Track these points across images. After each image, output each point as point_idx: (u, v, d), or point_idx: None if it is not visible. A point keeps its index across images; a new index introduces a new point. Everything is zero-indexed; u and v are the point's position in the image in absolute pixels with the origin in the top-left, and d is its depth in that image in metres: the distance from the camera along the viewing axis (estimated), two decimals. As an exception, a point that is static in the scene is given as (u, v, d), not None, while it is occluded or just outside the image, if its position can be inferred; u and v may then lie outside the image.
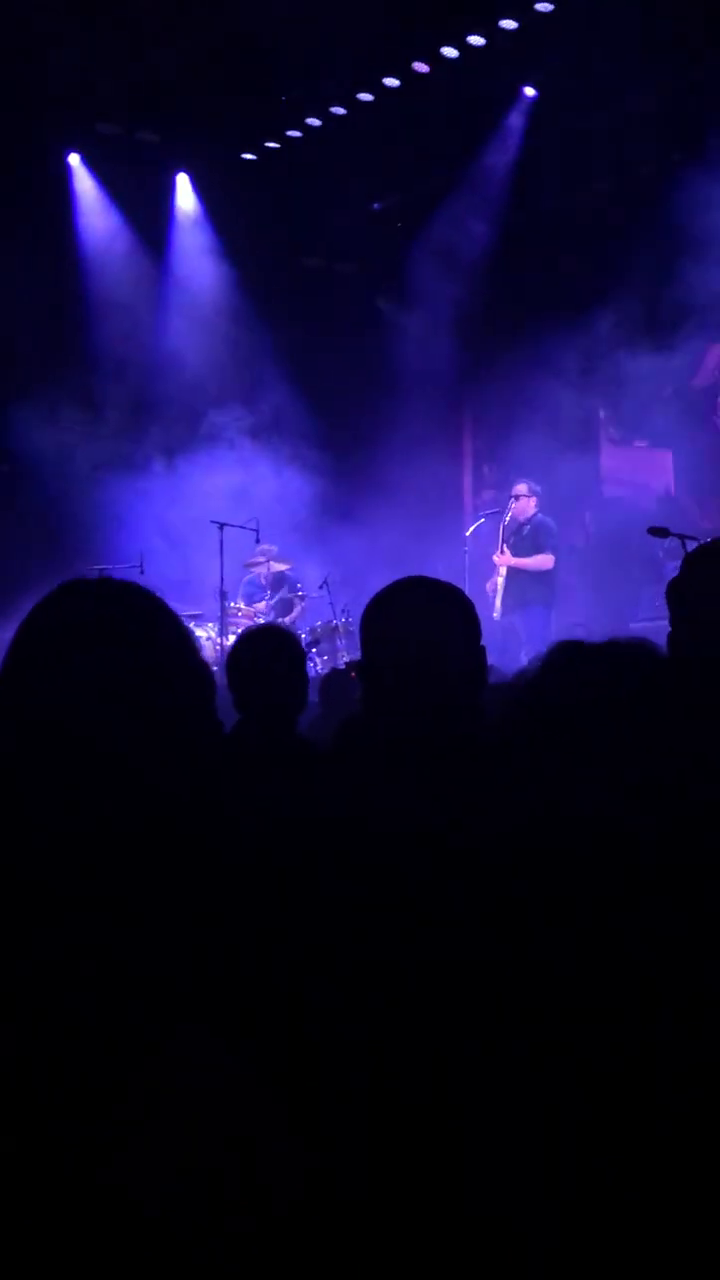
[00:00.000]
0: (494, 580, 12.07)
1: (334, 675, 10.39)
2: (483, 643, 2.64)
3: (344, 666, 9.07)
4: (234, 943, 1.42)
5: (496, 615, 11.74)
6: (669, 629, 2.92)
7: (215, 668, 7.21)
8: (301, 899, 1.69)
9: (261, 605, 12.62)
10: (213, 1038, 1.15)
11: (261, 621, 11.19)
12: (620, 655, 1.38)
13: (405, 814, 1.97)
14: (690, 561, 2.99)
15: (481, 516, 13.58)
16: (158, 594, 1.74)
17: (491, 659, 2.72)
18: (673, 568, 10.70)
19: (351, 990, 1.43)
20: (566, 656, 1.39)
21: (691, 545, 8.35)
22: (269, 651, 4.31)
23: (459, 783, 1.83)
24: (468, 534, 12.98)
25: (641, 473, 14.92)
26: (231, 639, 10.49)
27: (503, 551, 12.09)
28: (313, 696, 5.35)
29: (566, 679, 1.36)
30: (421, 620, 2.57)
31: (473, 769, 1.90)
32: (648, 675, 1.35)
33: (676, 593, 2.59)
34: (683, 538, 8.77)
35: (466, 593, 2.75)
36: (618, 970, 1.25)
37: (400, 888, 1.58)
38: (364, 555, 12.88)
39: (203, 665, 1.70)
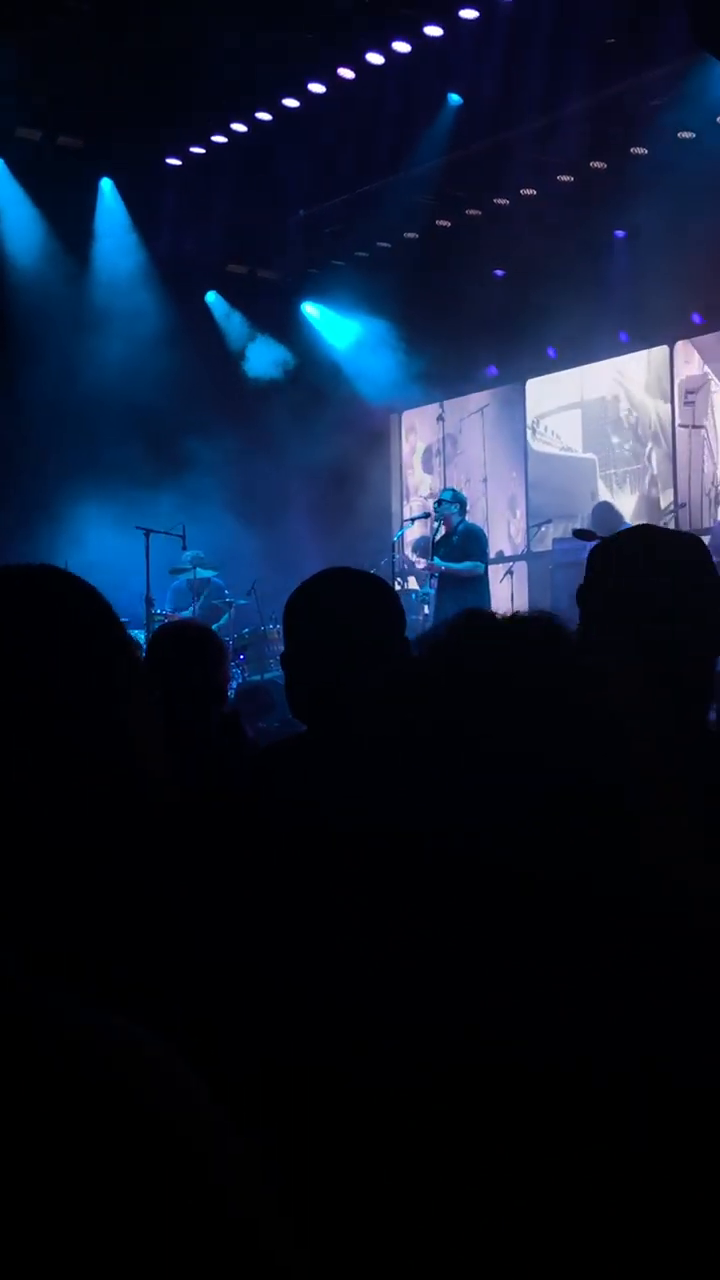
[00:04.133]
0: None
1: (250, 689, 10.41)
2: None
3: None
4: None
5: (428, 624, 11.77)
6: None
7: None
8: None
9: (188, 612, 12.55)
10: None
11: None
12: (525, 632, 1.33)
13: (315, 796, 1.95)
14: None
15: (408, 523, 13.62)
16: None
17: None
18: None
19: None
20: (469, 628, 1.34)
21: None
22: (177, 643, 4.24)
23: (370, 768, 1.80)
24: (395, 540, 13.00)
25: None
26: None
27: (432, 559, 12.12)
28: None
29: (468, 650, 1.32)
30: (342, 605, 2.57)
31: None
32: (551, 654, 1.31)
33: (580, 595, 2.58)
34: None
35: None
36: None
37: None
38: (291, 562, 12.86)
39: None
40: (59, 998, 0.96)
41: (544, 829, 1.21)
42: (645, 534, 2.64)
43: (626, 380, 14.71)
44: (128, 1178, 0.89)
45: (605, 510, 13.75)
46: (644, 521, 13.89)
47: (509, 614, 1.36)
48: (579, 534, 9.95)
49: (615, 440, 14.79)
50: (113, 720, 1.42)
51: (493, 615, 1.36)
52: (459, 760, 1.23)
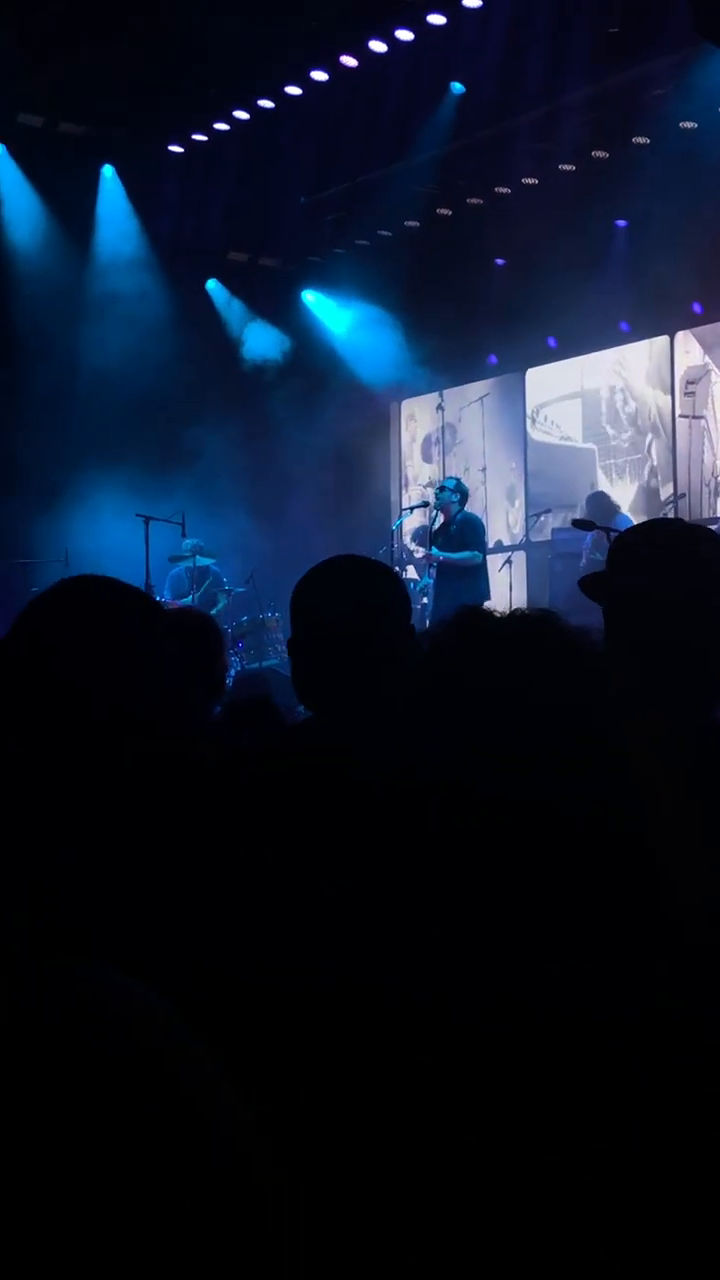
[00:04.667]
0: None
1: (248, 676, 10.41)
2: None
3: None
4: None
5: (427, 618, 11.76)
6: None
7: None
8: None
9: (188, 599, 12.56)
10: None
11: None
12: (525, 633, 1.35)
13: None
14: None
15: (407, 511, 13.62)
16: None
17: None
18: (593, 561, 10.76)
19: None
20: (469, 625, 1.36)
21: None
22: (176, 631, 4.23)
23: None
24: (394, 528, 13.01)
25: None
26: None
27: (430, 549, 12.12)
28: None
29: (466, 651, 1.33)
30: (348, 591, 2.59)
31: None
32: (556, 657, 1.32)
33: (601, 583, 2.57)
34: (607, 530, 8.83)
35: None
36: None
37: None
38: (290, 551, 12.88)
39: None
40: (70, 960, 0.99)
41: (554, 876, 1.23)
42: (684, 531, 2.63)
43: (627, 370, 14.71)
44: (133, 1138, 0.92)
45: (599, 499, 13.74)
46: (642, 512, 13.91)
47: (515, 612, 1.37)
48: (578, 524, 9.96)
49: (615, 430, 14.79)
50: (138, 692, 1.52)
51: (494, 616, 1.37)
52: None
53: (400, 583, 2.70)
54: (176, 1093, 0.97)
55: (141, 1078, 0.95)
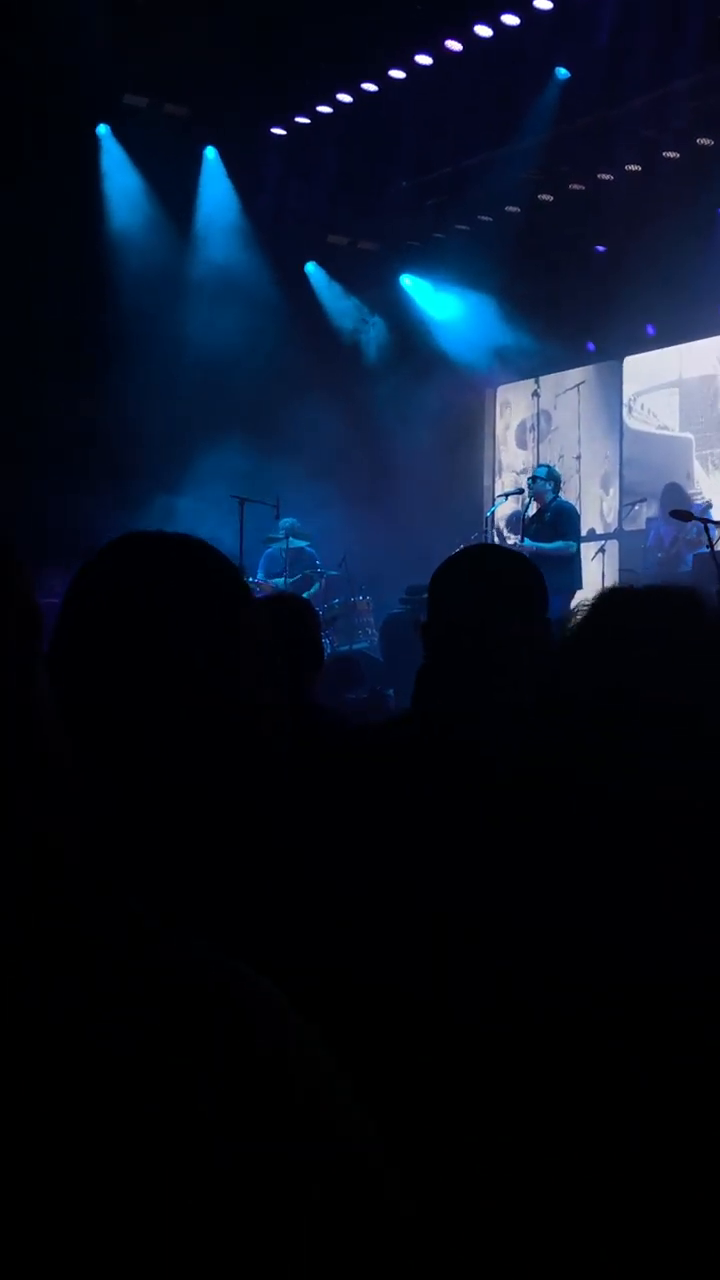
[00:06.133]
0: None
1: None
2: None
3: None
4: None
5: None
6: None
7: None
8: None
9: (281, 580, 12.61)
10: None
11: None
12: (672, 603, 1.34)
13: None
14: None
15: (501, 498, 13.57)
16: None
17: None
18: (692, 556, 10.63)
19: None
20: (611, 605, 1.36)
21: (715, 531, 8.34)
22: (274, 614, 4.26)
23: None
24: (487, 515, 12.97)
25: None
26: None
27: (522, 539, 12.06)
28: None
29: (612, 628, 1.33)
30: (477, 580, 2.63)
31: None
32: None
33: None
34: (706, 521, 8.75)
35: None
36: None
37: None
38: (383, 535, 12.89)
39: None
40: (185, 943, 1.00)
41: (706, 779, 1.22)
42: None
43: (726, 360, 14.56)
44: (242, 1115, 0.94)
45: (673, 490, 13.65)
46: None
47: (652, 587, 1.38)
48: (675, 514, 9.87)
49: (713, 420, 14.64)
50: (240, 670, 1.48)
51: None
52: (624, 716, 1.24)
53: (528, 570, 2.72)
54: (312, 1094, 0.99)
55: (275, 1074, 0.97)
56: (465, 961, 1.29)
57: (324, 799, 1.99)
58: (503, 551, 2.80)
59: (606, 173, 13.70)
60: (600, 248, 14.74)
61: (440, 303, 15.76)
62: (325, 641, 11.95)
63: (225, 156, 14.35)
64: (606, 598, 1.37)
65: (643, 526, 14.19)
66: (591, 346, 15.68)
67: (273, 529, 12.79)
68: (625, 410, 15.48)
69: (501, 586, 2.62)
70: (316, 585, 12.91)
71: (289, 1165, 0.94)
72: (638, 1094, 1.19)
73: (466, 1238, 1.19)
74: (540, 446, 16.31)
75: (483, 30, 11.72)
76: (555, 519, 11.98)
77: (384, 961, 1.41)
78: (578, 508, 12.97)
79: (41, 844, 0.98)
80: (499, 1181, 1.21)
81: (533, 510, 12.14)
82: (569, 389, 15.96)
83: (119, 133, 13.75)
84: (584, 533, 13.31)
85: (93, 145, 13.73)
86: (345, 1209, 0.97)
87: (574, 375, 15.95)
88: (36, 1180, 0.88)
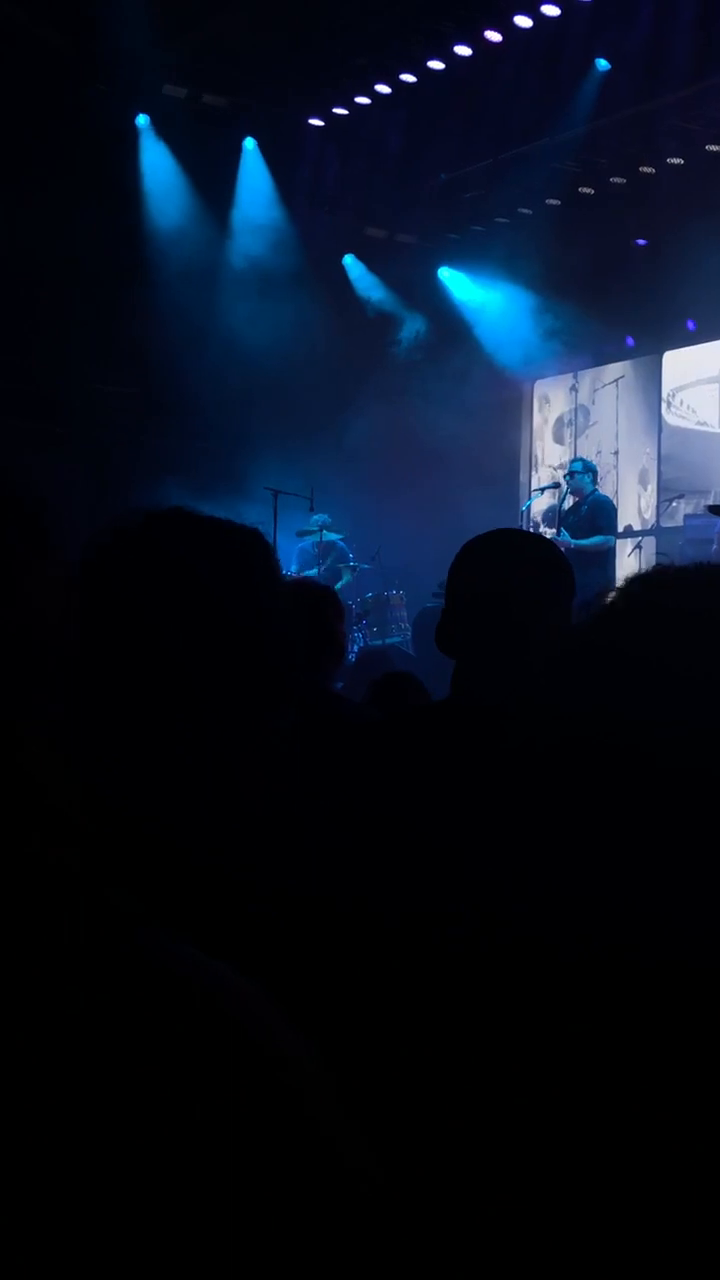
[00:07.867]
0: None
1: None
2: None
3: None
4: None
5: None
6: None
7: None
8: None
9: (313, 572, 12.61)
10: None
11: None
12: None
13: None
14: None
15: (537, 492, 13.53)
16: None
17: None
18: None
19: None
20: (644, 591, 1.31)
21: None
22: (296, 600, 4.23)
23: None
24: (523, 509, 12.93)
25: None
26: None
27: (559, 532, 12.02)
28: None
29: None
30: (497, 562, 2.60)
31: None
32: None
33: None
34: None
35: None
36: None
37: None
38: (417, 529, 12.85)
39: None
40: (171, 945, 0.99)
41: None
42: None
43: (767, 355, 14.47)
44: (224, 1119, 0.92)
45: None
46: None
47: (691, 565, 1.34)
48: (713, 509, 9.82)
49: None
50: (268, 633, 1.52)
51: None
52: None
53: (554, 555, 2.69)
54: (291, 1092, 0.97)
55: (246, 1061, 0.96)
56: (482, 915, 1.28)
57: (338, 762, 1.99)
58: (527, 533, 2.80)
59: (648, 165, 13.62)
60: (641, 241, 14.66)
61: (478, 296, 15.72)
62: (357, 635, 11.97)
63: (264, 148, 14.36)
64: (641, 575, 1.33)
65: (680, 523, 14.10)
66: (631, 341, 15.60)
67: (306, 522, 12.79)
68: (664, 405, 15.39)
69: (525, 557, 2.60)
70: (347, 577, 12.90)
71: (276, 1169, 0.94)
72: (657, 1068, 1.17)
73: (463, 1233, 1.17)
74: (578, 441, 16.24)
75: (523, 21, 11.67)
76: (592, 512, 11.95)
77: (385, 898, 1.41)
78: (615, 502, 12.91)
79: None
80: (499, 1157, 1.19)
81: (569, 503, 12.10)
82: (607, 384, 15.88)
83: (158, 124, 13.77)
84: (620, 528, 13.25)
85: (132, 136, 13.76)
86: (331, 1211, 0.96)
87: (613, 370, 15.87)
88: (27, 1186, 0.87)
